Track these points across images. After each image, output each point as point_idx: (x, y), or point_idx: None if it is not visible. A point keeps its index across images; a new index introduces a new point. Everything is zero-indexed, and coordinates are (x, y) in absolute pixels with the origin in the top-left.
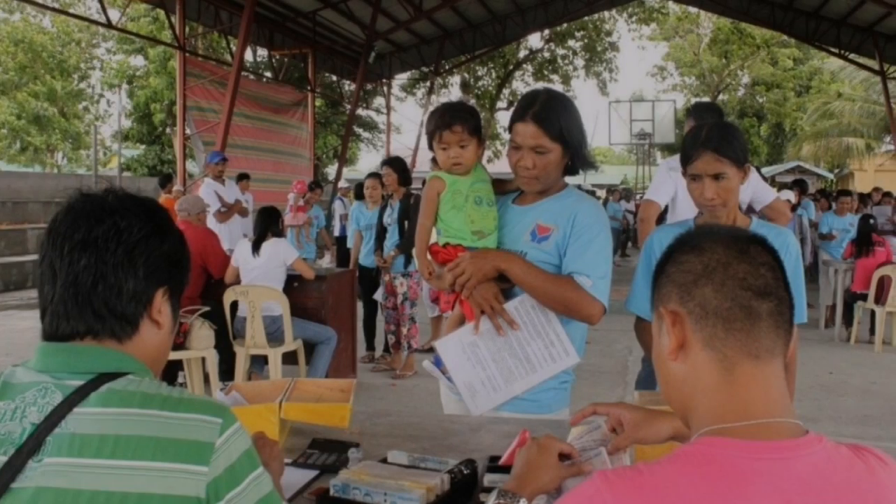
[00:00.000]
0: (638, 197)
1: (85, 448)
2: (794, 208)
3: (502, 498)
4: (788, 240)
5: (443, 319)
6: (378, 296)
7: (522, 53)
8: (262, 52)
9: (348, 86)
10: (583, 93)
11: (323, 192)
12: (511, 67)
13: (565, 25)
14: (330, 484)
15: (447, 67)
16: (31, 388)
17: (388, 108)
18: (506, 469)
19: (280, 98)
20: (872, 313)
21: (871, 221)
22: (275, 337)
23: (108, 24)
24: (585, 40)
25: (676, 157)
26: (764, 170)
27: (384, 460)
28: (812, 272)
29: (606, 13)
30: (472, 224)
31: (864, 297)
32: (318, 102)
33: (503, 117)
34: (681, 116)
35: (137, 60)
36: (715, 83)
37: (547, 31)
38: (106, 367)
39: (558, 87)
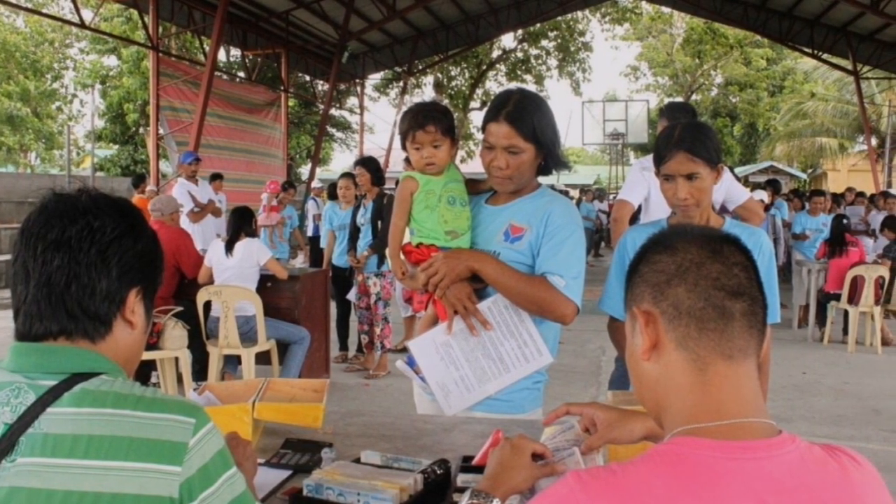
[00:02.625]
0: (611, 197)
1: (58, 448)
2: (767, 208)
3: (475, 498)
4: (762, 240)
5: (416, 319)
6: (351, 296)
7: (496, 53)
8: (236, 53)
9: (321, 86)
10: (556, 93)
11: (296, 192)
12: (484, 67)
13: (538, 25)
14: (303, 484)
15: (420, 67)
16: (4, 389)
17: (362, 108)
18: (479, 469)
19: (253, 98)
20: (846, 313)
21: (845, 221)
22: (248, 337)
23: (82, 25)
24: (559, 40)
25: (649, 157)
26: (737, 170)
27: (357, 460)
28: (785, 272)
29: (580, 13)
30: (445, 224)
31: (837, 298)
32: (291, 102)
33: (476, 117)
34: (654, 116)
35: (111, 60)
36: (688, 83)
37: (520, 31)
38: (79, 367)
39: (531, 87)
